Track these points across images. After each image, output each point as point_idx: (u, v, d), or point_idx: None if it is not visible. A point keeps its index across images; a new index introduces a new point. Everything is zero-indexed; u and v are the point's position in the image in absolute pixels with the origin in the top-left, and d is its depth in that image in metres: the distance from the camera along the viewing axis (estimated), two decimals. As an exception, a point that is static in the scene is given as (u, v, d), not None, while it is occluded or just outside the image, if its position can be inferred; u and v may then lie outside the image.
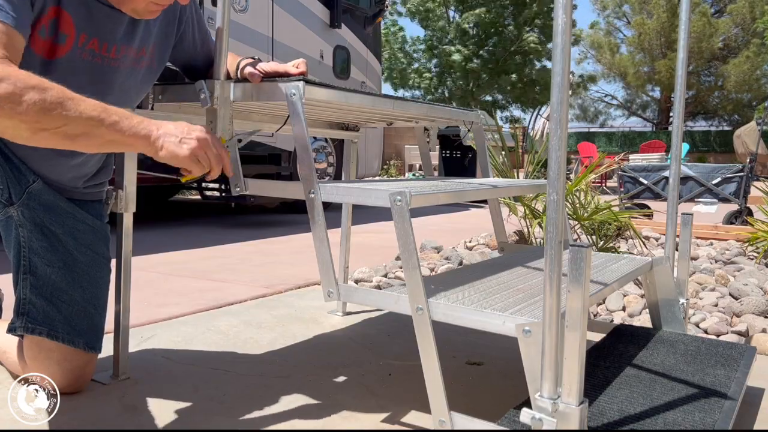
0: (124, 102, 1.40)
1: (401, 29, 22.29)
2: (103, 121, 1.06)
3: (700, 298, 2.33)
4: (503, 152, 3.42)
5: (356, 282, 2.69)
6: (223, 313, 2.17)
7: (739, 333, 1.95)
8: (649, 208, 5.03)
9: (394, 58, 21.30)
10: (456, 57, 20.19)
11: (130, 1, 1.24)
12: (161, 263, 3.13)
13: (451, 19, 21.38)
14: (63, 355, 1.34)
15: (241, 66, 1.35)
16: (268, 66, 1.32)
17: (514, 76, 20.28)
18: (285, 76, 1.30)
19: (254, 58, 1.38)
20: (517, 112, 23.62)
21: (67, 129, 1.03)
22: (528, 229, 3.19)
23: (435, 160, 8.44)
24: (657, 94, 27.95)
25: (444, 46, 20.82)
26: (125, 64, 1.34)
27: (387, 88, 22.65)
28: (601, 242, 3.10)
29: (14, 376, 1.45)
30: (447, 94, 21.48)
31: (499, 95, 21.28)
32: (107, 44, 1.28)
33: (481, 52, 20.74)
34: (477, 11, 19.92)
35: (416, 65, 21.88)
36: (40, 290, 1.33)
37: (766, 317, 2.08)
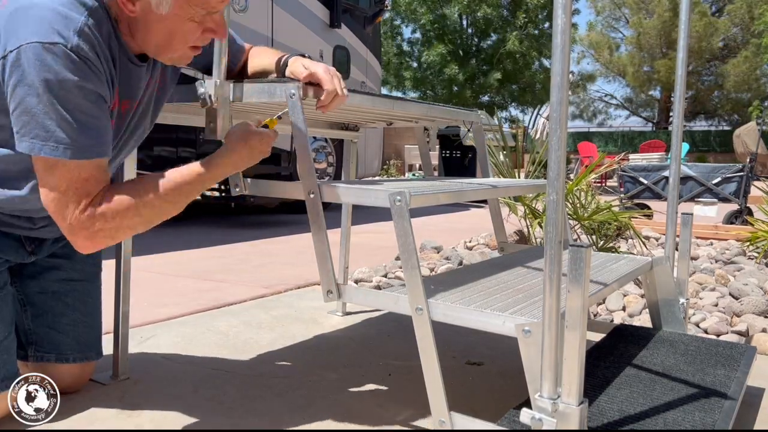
0: (143, 119, 1.36)
1: (398, 31, 22.09)
2: (195, 180, 1.17)
3: (700, 298, 2.33)
4: (503, 152, 3.42)
5: (356, 282, 2.69)
6: (223, 314, 2.17)
7: (739, 333, 1.95)
8: (649, 208, 5.03)
9: (390, 60, 21.08)
10: (430, 57, 19.67)
11: (169, 51, 1.20)
12: (161, 263, 3.13)
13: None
14: (70, 368, 1.40)
15: (290, 63, 1.32)
16: (313, 68, 1.27)
17: (499, 74, 19.85)
18: (319, 86, 1.26)
19: (305, 56, 1.34)
20: (515, 112, 23.54)
21: (178, 206, 1.17)
22: (528, 229, 3.19)
23: (435, 160, 8.44)
24: (657, 93, 27.95)
25: (429, 44, 20.43)
26: (143, 101, 1.32)
27: (383, 90, 22.47)
28: (601, 242, 3.10)
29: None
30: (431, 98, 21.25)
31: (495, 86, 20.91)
32: (136, 101, 1.28)
33: (472, 53, 20.47)
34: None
35: (408, 64, 21.59)
36: (42, 319, 1.38)
37: (766, 317, 2.08)
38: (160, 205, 1.14)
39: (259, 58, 1.44)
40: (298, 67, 1.28)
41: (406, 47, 21.99)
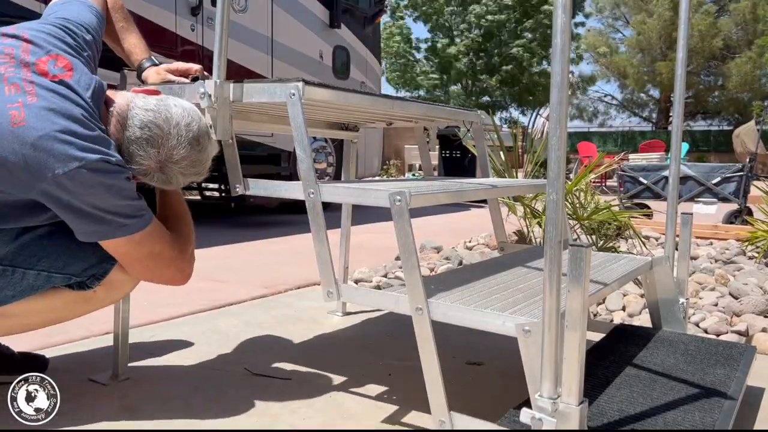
0: None
1: (406, 30, 22.04)
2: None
3: (700, 298, 2.33)
4: (501, 152, 3.41)
5: (356, 282, 2.69)
6: (223, 314, 2.17)
7: (738, 332, 1.95)
8: (648, 207, 5.03)
9: (398, 56, 21.06)
10: (452, 50, 19.85)
11: None
12: (161, 263, 3.12)
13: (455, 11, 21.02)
14: None
15: (144, 69, 1.47)
16: (174, 67, 1.45)
17: (500, 75, 19.98)
18: (185, 75, 1.43)
19: (157, 64, 1.48)
20: (515, 113, 23.54)
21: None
22: (528, 228, 3.19)
23: (435, 160, 8.43)
24: (656, 93, 27.96)
25: (442, 40, 20.51)
26: None
27: (389, 89, 22.43)
28: (601, 242, 3.10)
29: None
30: (448, 97, 21.28)
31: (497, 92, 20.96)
32: None
33: (480, 54, 20.50)
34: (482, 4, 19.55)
35: (420, 66, 21.60)
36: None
37: (765, 317, 2.08)
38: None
39: (130, 46, 1.54)
40: (151, 74, 1.46)
41: (419, 45, 22.00)
